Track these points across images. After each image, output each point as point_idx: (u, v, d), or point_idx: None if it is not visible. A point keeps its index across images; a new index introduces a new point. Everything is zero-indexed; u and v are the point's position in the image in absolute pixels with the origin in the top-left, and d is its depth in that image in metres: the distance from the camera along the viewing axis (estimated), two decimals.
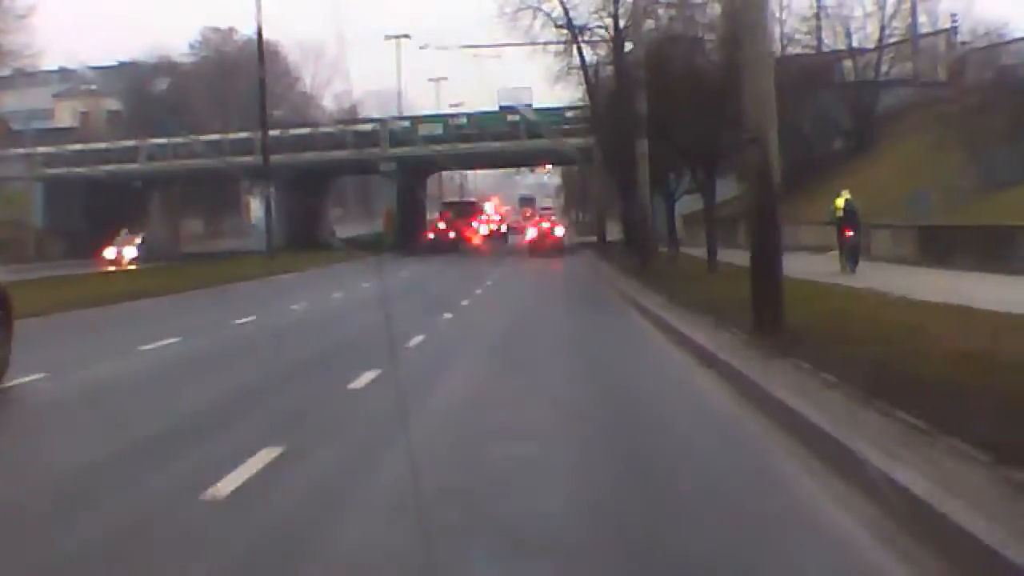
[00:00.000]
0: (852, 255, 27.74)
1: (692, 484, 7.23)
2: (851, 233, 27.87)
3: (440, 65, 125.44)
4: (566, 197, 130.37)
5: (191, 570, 5.49)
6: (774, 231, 14.10)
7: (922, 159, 41.71)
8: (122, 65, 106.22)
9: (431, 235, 71.86)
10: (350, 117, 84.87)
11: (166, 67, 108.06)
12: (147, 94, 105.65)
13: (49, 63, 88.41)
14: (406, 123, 72.16)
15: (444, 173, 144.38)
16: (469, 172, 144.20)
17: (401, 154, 71.79)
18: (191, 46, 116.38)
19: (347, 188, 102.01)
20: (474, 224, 78.91)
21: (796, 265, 19.99)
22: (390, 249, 67.92)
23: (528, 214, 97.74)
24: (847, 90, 55.78)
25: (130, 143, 78.74)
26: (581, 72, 52.84)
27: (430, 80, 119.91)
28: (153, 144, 78.52)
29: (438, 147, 71.18)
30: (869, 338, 11.98)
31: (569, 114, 68.97)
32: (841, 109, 55.00)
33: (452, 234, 70.45)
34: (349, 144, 72.78)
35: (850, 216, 28.24)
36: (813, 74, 51.52)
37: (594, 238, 69.54)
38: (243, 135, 73.86)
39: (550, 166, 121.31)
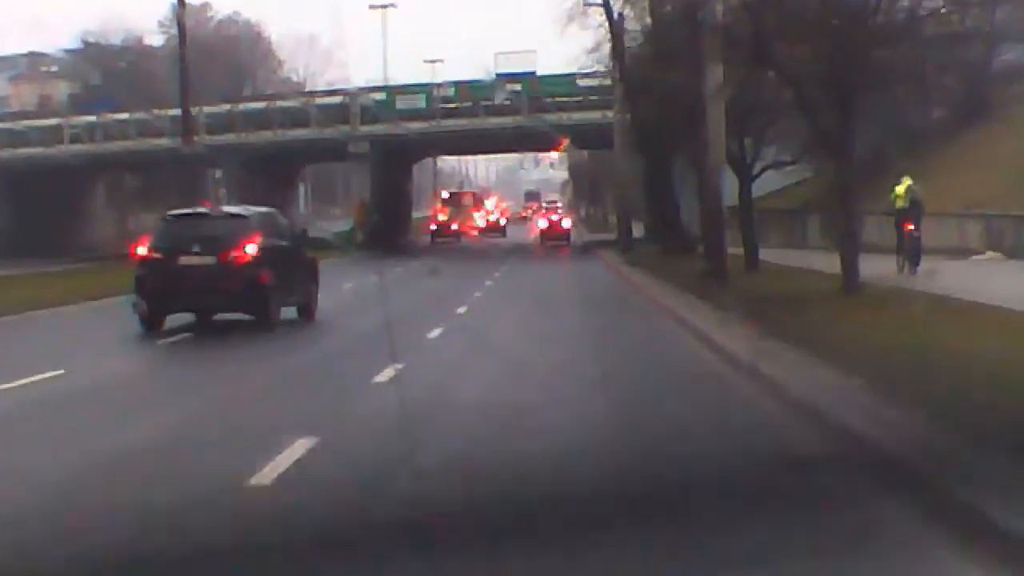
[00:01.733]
0: (913, 253, 23.97)
1: None
2: (912, 227, 24.29)
3: (433, 42, 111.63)
4: (574, 191, 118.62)
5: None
6: None
7: None
8: (88, 46, 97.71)
9: (433, 227, 69.36)
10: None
11: (135, 47, 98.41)
12: (111, 75, 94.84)
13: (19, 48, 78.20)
14: (382, 95, 58.76)
15: (442, 164, 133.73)
16: (470, 164, 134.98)
17: (375, 133, 58.54)
18: (160, 24, 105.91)
19: (332, 178, 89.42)
20: (474, 216, 75.64)
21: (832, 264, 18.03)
22: (362, 248, 55.15)
23: (534, 208, 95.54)
24: (952, 45, 42.25)
25: (53, 122, 65.60)
26: (602, 7, 39.31)
27: (425, 62, 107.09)
28: (85, 122, 65.38)
29: (420, 124, 57.90)
30: None
31: (583, 82, 55.55)
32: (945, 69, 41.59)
33: (454, 226, 67.79)
34: (313, 121, 59.48)
35: (913, 207, 24.57)
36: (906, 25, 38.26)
37: (610, 236, 56.51)
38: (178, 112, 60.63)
39: (556, 154, 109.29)
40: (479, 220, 76.00)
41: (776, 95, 22.75)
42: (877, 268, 22.53)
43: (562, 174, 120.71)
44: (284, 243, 19.26)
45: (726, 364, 12.77)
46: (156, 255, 18.01)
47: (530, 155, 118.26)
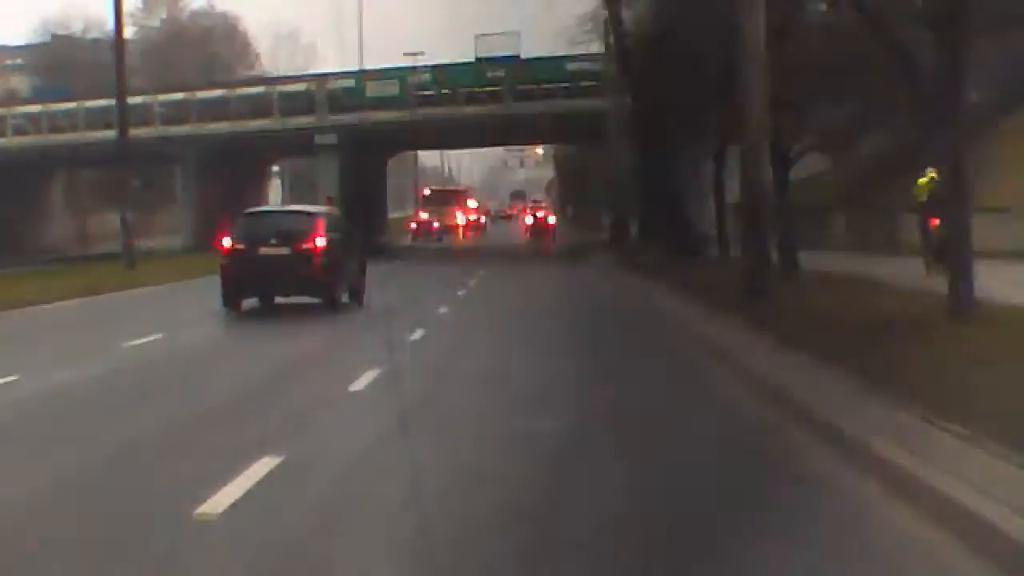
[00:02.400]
0: (940, 249, 20.31)
1: None
2: (938, 223, 21.25)
3: (413, 33, 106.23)
4: (560, 190, 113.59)
5: None
6: None
7: None
8: (54, 39, 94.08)
9: (414, 225, 67.78)
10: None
11: (105, 40, 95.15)
12: (77, 68, 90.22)
13: None
14: (351, 81, 53.38)
15: (425, 162, 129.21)
16: (453, 163, 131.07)
17: (344, 122, 53.22)
18: (130, 15, 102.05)
19: (315, 174, 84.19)
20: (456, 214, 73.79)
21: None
22: None
23: (520, 208, 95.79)
24: None
25: None
26: None
27: (405, 55, 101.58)
28: (25, 112, 59.95)
29: (393, 114, 52.59)
30: None
31: (572, 66, 50.35)
32: None
33: (436, 224, 65.79)
34: (277, 110, 54.13)
35: (937, 202, 21.16)
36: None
37: (601, 236, 51.40)
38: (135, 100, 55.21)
39: (540, 150, 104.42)
40: (460, 219, 72.92)
41: (827, 50, 17.73)
42: (900, 269, 21.19)
43: (548, 173, 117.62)
44: (340, 237, 21.53)
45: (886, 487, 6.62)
46: (239, 246, 20.32)
47: (515, 155, 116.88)
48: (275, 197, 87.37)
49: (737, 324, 14.24)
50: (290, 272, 20.08)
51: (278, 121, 53.95)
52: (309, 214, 21.72)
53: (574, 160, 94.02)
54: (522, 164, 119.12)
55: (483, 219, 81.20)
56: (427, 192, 76.64)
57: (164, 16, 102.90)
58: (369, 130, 53.34)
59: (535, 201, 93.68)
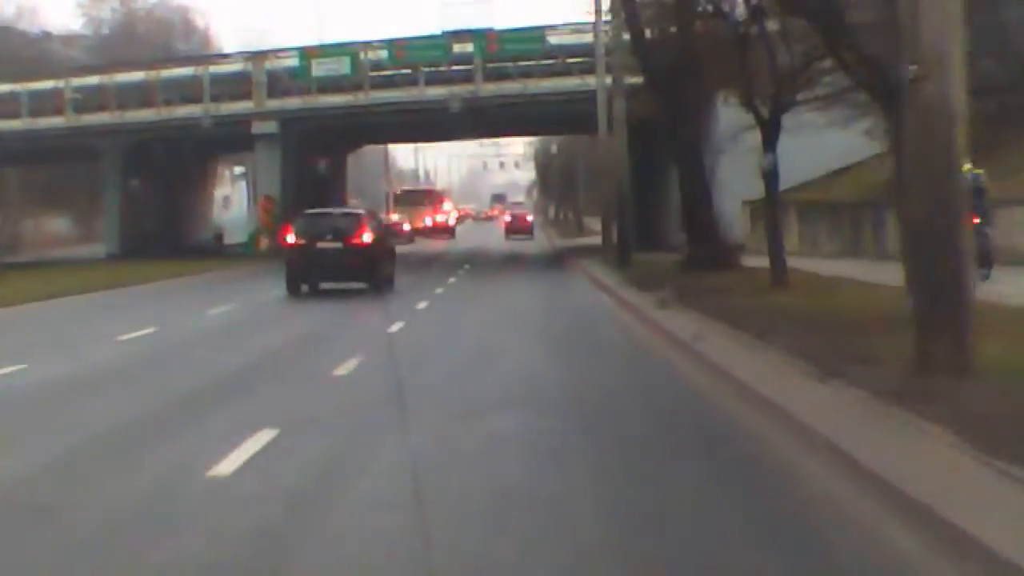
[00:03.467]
0: (981, 254, 16.88)
1: None
2: (977, 221, 16.91)
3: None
4: (541, 191, 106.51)
5: None
6: None
7: None
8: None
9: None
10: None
11: (60, 35, 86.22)
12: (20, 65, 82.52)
13: None
14: (293, 59, 45.16)
15: (403, 164, 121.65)
16: (430, 163, 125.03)
17: (286, 108, 45.20)
18: (78, 4, 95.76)
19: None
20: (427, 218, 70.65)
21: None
22: (268, 256, 42.36)
23: (500, 210, 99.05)
24: None
25: None
26: None
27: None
28: None
29: (343, 98, 44.58)
30: None
31: (555, 39, 42.44)
32: None
33: (407, 227, 62.40)
34: (207, 95, 46.00)
35: (976, 197, 17.57)
36: None
37: (588, 241, 43.59)
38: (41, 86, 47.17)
39: (522, 144, 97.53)
40: (426, 220, 68.69)
41: None
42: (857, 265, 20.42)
43: (528, 175, 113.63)
44: (380, 234, 26.34)
45: None
46: (300, 241, 24.68)
47: (495, 157, 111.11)
48: (237, 201, 79.65)
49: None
50: (342, 262, 24.24)
51: (208, 108, 45.87)
52: (357, 214, 26.86)
53: (557, 158, 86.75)
54: (502, 166, 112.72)
55: (451, 222, 76.23)
56: (398, 192, 75.52)
57: (116, 6, 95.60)
58: (316, 117, 45.33)
59: (515, 203, 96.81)
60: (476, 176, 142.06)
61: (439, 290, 26.58)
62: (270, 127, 45.05)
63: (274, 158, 45.72)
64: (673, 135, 24.36)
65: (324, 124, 46.58)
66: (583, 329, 17.29)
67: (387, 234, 28.71)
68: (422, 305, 21.61)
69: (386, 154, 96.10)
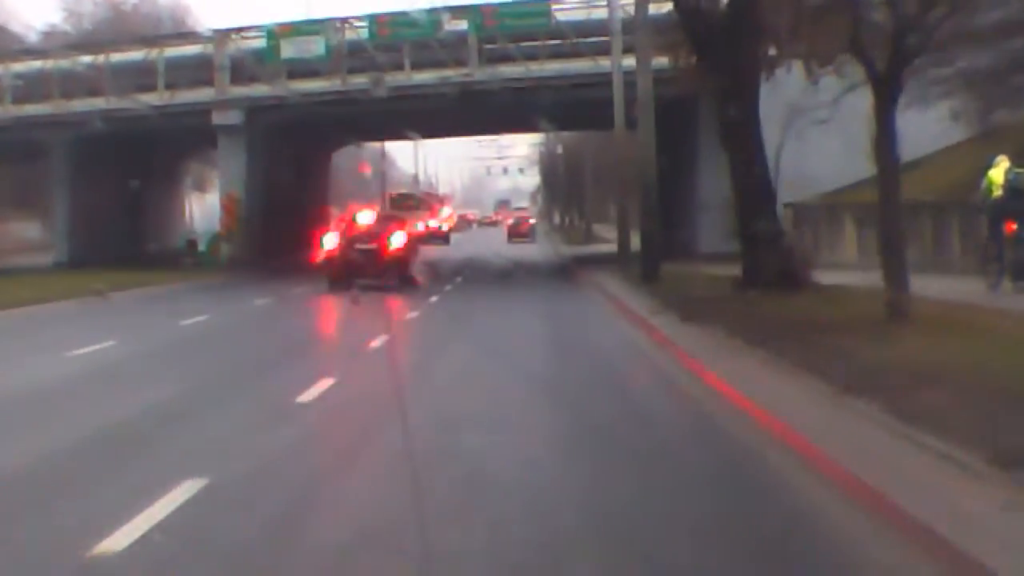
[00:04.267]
0: (1018, 263, 17.37)
1: None
2: (1016, 227, 17.69)
3: None
4: (545, 196, 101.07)
5: None
6: None
7: None
8: None
9: None
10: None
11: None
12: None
13: None
14: (261, 39, 39.01)
15: (408, 168, 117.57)
16: (432, 168, 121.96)
17: (252, 96, 39.19)
18: None
19: None
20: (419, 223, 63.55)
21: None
22: (231, 266, 36.80)
23: (503, 215, 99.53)
24: None
25: None
26: None
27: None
28: None
29: (317, 84, 38.55)
30: None
31: (563, 15, 36.48)
32: None
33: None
34: (162, 82, 39.93)
35: (1014, 199, 17.98)
36: None
37: (598, 249, 37.52)
38: None
39: (530, 141, 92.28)
40: (419, 227, 61.37)
41: None
42: (955, 285, 16.79)
43: (532, 180, 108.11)
44: (409, 236, 29.85)
45: None
46: (341, 243, 27.90)
47: (497, 159, 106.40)
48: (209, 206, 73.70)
49: None
50: (377, 262, 27.38)
51: (163, 96, 39.82)
52: (392, 217, 32.56)
53: (562, 160, 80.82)
54: (506, 171, 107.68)
55: (445, 228, 72.36)
56: (393, 196, 72.64)
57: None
58: (286, 106, 39.29)
59: (519, 209, 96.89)
60: (479, 182, 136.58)
61: (412, 314, 20.53)
62: (233, 117, 39.02)
63: (238, 153, 39.67)
64: (726, 116, 18.23)
65: (296, 115, 40.50)
66: (618, 409, 10.15)
67: (411, 237, 31.15)
68: (376, 343, 15.18)
69: (383, 153, 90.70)
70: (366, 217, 29.27)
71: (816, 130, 33.33)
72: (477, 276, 34.42)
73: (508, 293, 27.63)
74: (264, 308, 23.56)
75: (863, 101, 16.22)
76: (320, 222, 55.67)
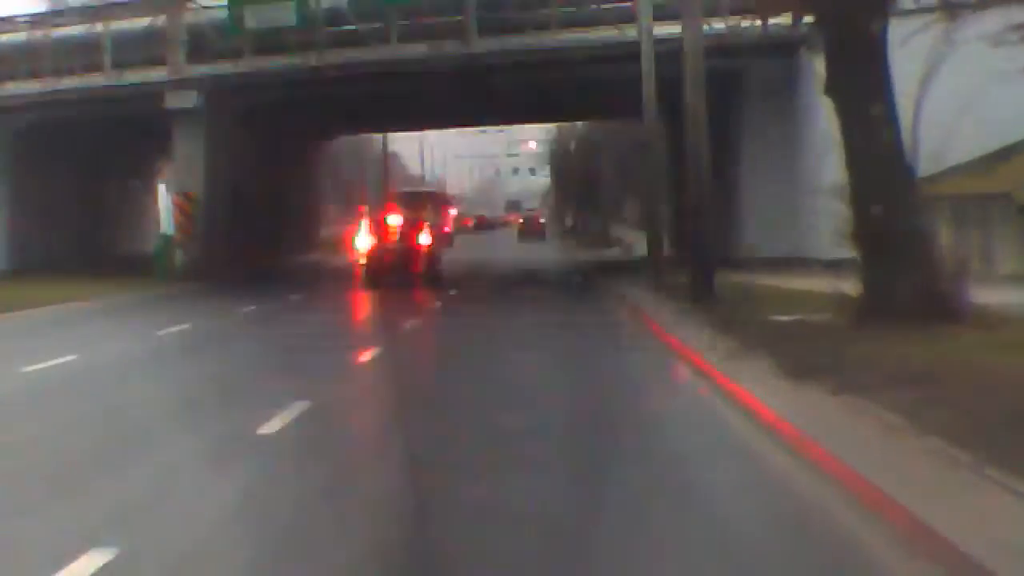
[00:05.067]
0: None
1: None
2: None
3: None
4: (557, 196, 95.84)
5: None
6: None
7: None
8: None
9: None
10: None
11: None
12: None
13: None
14: (221, 8, 32.92)
15: (414, 168, 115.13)
16: (440, 169, 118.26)
17: (212, 74, 33.14)
18: None
19: None
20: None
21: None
22: (186, 276, 31.15)
23: (515, 217, 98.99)
24: None
25: None
26: None
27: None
28: None
29: (285, 60, 32.50)
30: None
31: None
32: None
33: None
34: (109, 61, 33.88)
35: None
36: None
37: (615, 254, 31.60)
38: None
39: (534, 143, 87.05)
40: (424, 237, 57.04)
41: None
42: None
43: (543, 181, 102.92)
44: (435, 236, 31.82)
45: None
46: (375, 243, 29.61)
47: (506, 156, 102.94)
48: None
49: None
50: (408, 260, 29.09)
51: (109, 76, 33.78)
52: (418, 219, 31.81)
53: (576, 156, 74.76)
54: (516, 172, 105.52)
55: (447, 229, 66.76)
56: (396, 195, 63.87)
57: None
58: (252, 86, 33.25)
59: (529, 210, 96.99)
60: (490, 183, 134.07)
61: (367, 353, 14.37)
62: (188, 99, 32.97)
63: (195, 141, 33.60)
64: (836, 76, 12.09)
65: (267, 98, 34.47)
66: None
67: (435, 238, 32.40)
68: (266, 429, 8.80)
69: (385, 149, 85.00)
70: (395, 218, 30.64)
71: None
72: (469, 298, 27.80)
73: (508, 327, 20.84)
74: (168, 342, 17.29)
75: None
76: (310, 223, 49.96)
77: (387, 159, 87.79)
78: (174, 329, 17.78)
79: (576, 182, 77.01)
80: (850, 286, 12.26)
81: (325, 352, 15.02)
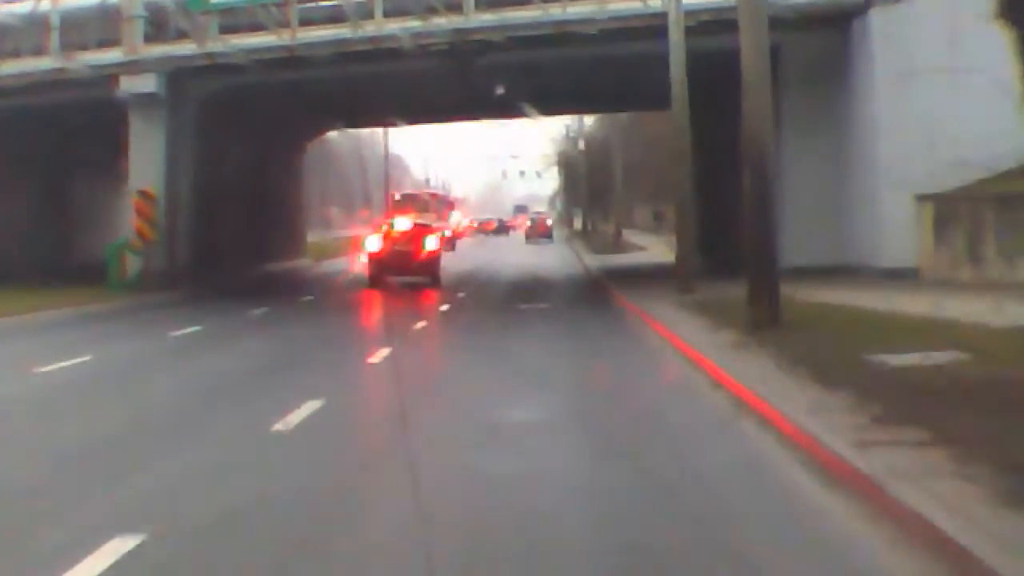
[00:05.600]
0: None
1: None
2: None
3: None
4: (565, 199, 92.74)
5: None
6: None
7: None
8: None
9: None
10: None
11: None
12: None
13: None
14: None
15: (419, 173, 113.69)
16: (445, 174, 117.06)
17: (172, 56, 29.02)
18: None
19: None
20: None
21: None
22: (144, 287, 27.20)
23: (522, 220, 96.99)
24: None
25: None
26: None
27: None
28: None
29: (258, 39, 28.38)
30: None
31: None
32: None
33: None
34: (58, 43, 29.75)
35: None
36: None
37: (629, 258, 27.80)
38: None
39: (547, 133, 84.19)
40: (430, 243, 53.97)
41: None
42: None
43: (550, 184, 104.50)
44: (439, 241, 32.60)
45: None
46: (384, 246, 30.82)
47: (512, 157, 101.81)
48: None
49: None
50: (413, 263, 30.29)
51: (55, 59, 29.62)
52: (425, 224, 33.52)
53: (585, 156, 70.79)
54: (522, 175, 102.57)
55: (448, 234, 63.90)
56: (397, 197, 67.55)
57: None
58: (220, 69, 29.09)
59: (537, 213, 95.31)
60: (496, 188, 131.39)
61: (295, 416, 10.23)
62: (147, 84, 28.82)
63: (155, 132, 29.43)
64: None
65: (237, 83, 30.32)
66: None
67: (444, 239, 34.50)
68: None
69: (386, 148, 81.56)
70: (404, 223, 32.32)
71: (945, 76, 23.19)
72: (458, 320, 23.54)
73: (512, 345, 16.66)
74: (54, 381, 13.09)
75: None
76: (295, 225, 45.85)
77: (387, 159, 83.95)
78: (66, 364, 13.54)
79: (585, 183, 73.09)
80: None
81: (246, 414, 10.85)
